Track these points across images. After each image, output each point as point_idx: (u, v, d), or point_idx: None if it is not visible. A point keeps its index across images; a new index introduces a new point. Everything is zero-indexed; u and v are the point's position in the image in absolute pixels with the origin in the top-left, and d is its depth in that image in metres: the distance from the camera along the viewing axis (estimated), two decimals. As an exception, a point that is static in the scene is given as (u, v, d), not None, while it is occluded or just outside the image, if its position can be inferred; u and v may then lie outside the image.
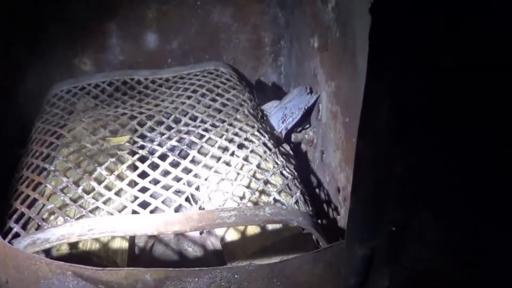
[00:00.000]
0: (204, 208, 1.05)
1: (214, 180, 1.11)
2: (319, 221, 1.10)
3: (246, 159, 1.17)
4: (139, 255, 1.11)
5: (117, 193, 1.07)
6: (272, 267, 0.88)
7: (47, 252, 0.99)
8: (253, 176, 1.13)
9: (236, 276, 0.86)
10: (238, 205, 1.02)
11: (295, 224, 0.97)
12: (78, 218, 0.99)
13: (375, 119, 0.74)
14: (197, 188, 1.10)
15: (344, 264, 0.82)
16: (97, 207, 1.03)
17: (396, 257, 0.81)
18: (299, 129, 1.45)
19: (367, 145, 0.75)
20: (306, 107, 1.40)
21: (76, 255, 0.99)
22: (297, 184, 1.14)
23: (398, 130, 0.73)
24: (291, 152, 1.34)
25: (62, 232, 0.94)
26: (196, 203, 1.05)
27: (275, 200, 1.05)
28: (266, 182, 1.11)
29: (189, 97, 1.44)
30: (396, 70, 0.69)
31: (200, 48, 1.73)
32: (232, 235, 1.06)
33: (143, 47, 1.72)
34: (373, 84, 0.71)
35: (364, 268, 0.80)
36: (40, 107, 1.49)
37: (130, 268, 0.87)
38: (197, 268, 0.85)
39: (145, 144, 1.23)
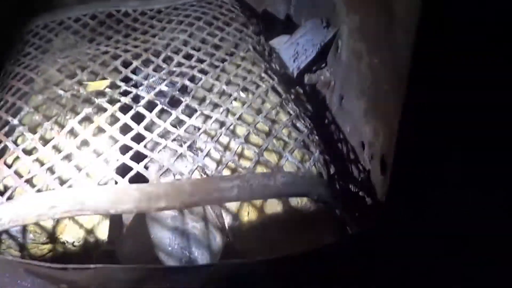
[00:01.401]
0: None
1: (212, 134, 0.86)
2: (343, 186, 0.86)
3: (249, 106, 0.91)
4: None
5: (92, 154, 0.83)
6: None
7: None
8: (260, 129, 0.87)
9: (241, 273, 0.63)
10: (242, 170, 0.77)
11: (315, 198, 0.72)
12: (39, 191, 0.74)
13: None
14: (191, 147, 0.85)
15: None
16: (68, 175, 0.79)
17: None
18: (314, 68, 1.18)
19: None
20: (322, 44, 1.13)
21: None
22: (315, 140, 0.89)
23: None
24: (304, 97, 1.08)
25: (15, 211, 0.70)
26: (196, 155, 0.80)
27: (289, 163, 0.80)
28: (277, 138, 0.85)
29: (183, 32, 1.16)
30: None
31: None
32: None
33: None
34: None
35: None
36: (12, 45, 1.22)
37: (100, 265, 0.63)
38: (185, 265, 0.61)
39: (128, 89, 0.97)
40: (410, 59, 0.72)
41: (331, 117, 1.11)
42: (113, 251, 0.85)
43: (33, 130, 0.88)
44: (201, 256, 0.87)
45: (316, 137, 0.90)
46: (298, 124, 0.89)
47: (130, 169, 0.78)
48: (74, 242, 0.81)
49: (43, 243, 0.81)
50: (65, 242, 0.82)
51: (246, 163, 0.79)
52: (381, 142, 0.87)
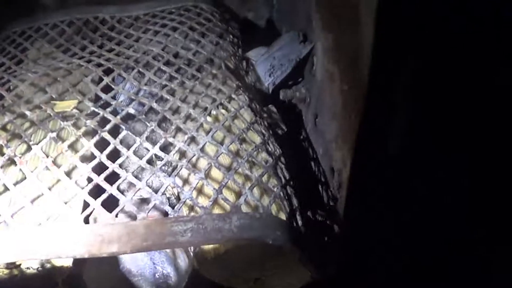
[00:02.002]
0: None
1: (173, 166, 0.83)
2: (311, 217, 0.83)
3: (215, 135, 0.88)
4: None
5: (52, 185, 0.81)
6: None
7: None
8: (221, 162, 0.85)
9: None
10: (199, 210, 0.74)
11: (270, 242, 0.69)
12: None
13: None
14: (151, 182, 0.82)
15: None
16: (25, 209, 0.76)
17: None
18: (290, 83, 1.14)
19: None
20: (297, 59, 1.08)
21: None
22: (279, 170, 0.86)
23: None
24: (277, 115, 1.04)
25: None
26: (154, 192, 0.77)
27: (246, 203, 0.77)
28: (238, 173, 0.82)
29: (158, 44, 1.12)
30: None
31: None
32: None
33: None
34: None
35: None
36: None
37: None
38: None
39: (96, 110, 0.94)
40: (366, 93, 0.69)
41: (305, 134, 1.08)
42: (79, 274, 0.83)
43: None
44: (174, 273, 0.85)
45: (283, 165, 0.87)
46: (263, 154, 0.86)
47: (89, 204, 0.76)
48: (38, 267, 0.79)
49: (5, 268, 0.79)
50: (29, 267, 0.80)
51: (204, 201, 0.76)
52: (347, 173, 0.84)
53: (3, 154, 0.85)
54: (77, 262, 0.79)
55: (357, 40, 0.78)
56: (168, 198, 0.88)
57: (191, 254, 0.83)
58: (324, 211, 0.90)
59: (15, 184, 0.80)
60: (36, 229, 0.71)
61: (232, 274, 0.83)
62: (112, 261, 0.85)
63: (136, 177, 0.80)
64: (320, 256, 0.76)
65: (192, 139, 0.87)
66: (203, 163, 0.84)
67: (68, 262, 0.78)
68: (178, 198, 0.88)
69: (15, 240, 0.68)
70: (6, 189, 0.80)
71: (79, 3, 1.35)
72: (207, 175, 0.81)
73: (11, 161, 0.85)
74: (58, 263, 0.77)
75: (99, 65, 1.06)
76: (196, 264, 0.82)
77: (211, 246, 0.77)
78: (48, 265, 0.78)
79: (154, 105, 0.93)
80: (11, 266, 0.78)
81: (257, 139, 0.89)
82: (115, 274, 0.87)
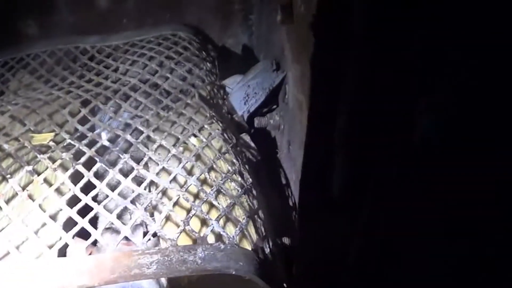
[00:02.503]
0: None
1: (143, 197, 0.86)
2: (279, 243, 0.85)
3: (185, 165, 0.91)
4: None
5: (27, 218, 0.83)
6: None
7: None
8: (190, 192, 0.88)
9: None
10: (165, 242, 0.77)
11: (233, 273, 0.72)
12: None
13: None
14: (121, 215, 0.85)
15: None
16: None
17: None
18: (264, 110, 1.17)
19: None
20: (271, 87, 1.12)
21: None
22: (250, 199, 0.88)
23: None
24: (251, 144, 1.07)
25: None
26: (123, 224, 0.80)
27: (213, 233, 0.80)
28: (207, 202, 0.85)
29: (135, 74, 1.16)
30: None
31: (159, 6, 1.42)
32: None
33: (94, 6, 1.42)
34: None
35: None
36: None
37: None
38: None
39: (72, 142, 0.97)
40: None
41: (279, 162, 1.11)
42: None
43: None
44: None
45: (252, 194, 0.90)
46: (232, 184, 0.89)
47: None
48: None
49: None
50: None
51: (171, 232, 0.78)
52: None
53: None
54: None
55: (319, 73, 0.82)
56: (141, 225, 0.91)
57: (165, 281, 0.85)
58: (293, 236, 0.93)
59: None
60: (7, 263, 0.74)
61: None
62: None
63: (108, 209, 0.82)
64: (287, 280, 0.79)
65: (163, 170, 0.90)
66: (172, 194, 0.86)
67: None
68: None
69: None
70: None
71: (62, 32, 1.39)
72: (176, 205, 0.84)
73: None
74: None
75: (77, 96, 1.10)
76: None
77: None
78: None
79: (128, 137, 0.96)
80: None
81: (227, 169, 0.91)
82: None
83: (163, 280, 0.84)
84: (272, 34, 1.22)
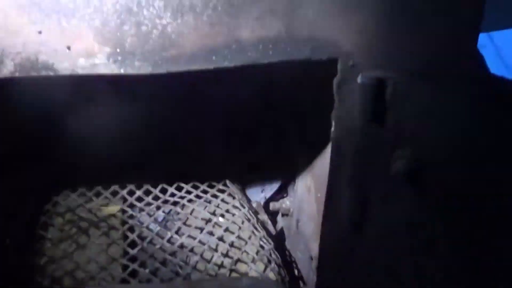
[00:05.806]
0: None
1: (198, 250, 1.16)
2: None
3: (226, 229, 1.22)
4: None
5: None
6: None
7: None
8: (232, 245, 1.18)
9: None
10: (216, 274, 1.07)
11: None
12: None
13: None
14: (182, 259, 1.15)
15: None
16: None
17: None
18: (278, 197, 1.51)
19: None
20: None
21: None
22: (273, 254, 1.19)
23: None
24: (269, 221, 1.38)
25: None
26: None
27: (253, 271, 1.10)
28: (246, 252, 1.15)
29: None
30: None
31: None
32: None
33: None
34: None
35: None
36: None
37: None
38: None
39: (134, 214, 1.27)
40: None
41: (290, 237, 1.42)
42: None
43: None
44: None
45: (274, 253, 1.20)
46: (261, 243, 1.20)
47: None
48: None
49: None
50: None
51: (223, 271, 1.08)
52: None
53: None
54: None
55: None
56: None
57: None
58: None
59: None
60: None
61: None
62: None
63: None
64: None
65: (211, 234, 1.21)
66: (221, 247, 1.17)
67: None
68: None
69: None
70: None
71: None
72: (224, 255, 1.15)
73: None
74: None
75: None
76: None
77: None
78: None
79: (179, 209, 1.27)
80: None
81: (256, 233, 1.23)
82: None
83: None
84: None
